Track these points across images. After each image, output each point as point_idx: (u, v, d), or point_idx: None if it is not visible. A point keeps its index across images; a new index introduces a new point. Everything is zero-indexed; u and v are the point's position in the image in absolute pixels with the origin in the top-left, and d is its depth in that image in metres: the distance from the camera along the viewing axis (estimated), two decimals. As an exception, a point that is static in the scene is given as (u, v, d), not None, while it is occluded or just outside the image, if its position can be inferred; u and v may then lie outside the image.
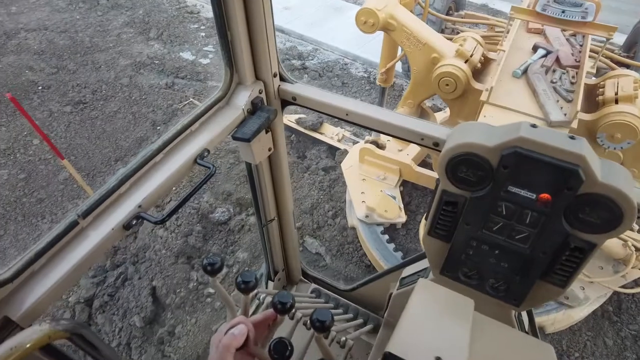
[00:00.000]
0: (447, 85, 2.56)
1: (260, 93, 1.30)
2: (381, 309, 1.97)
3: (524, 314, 1.40)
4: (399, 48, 3.09)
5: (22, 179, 4.13)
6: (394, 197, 3.21)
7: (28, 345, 0.68)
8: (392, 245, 3.01)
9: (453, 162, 0.94)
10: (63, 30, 6.50)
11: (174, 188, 3.90)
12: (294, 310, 1.16)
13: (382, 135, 2.91)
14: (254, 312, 1.71)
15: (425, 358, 0.68)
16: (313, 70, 5.69)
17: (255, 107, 1.28)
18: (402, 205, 3.21)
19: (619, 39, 5.25)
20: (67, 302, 3.11)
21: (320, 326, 0.74)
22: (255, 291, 1.10)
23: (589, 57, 2.69)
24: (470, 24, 4.87)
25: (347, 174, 3.44)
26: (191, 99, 5.23)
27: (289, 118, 4.45)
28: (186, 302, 3.13)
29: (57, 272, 0.89)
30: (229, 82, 1.25)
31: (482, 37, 3.48)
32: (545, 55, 2.71)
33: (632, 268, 2.62)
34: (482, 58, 2.74)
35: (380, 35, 2.96)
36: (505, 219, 0.97)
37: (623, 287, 2.64)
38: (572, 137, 0.85)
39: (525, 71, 2.58)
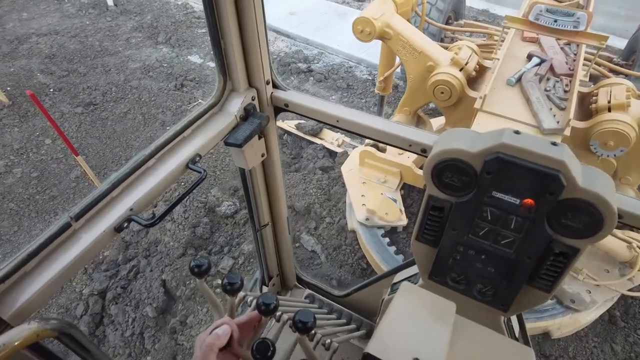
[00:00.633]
0: (442, 93, 2.59)
1: (253, 100, 1.32)
2: (375, 315, 1.98)
3: (515, 320, 1.41)
4: (397, 57, 3.13)
5: (35, 177, 4.28)
6: (395, 200, 3.19)
7: (16, 344, 0.69)
8: (393, 248, 2.98)
9: (438, 167, 0.96)
10: (73, 35, 6.66)
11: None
12: (280, 312, 1.17)
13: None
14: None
15: (403, 359, 0.69)
16: (319, 73, 5.81)
17: (247, 114, 1.31)
18: (403, 208, 3.19)
19: (621, 43, 5.31)
20: (81, 295, 3.21)
21: (303, 327, 0.76)
22: (244, 294, 1.12)
23: (584, 65, 2.72)
24: (469, 33, 4.91)
25: (347, 177, 3.44)
26: (199, 100, 5.34)
27: (289, 123, 4.48)
28: (196, 293, 3.22)
29: (48, 273, 0.90)
30: (222, 89, 1.27)
31: (481, 45, 3.53)
32: (539, 64, 2.74)
33: (638, 271, 2.58)
34: (477, 66, 2.77)
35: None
36: (491, 224, 0.98)
37: (630, 290, 2.59)
38: (554, 144, 0.87)
39: (519, 79, 2.60)
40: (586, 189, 0.83)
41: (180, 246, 3.46)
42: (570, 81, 2.57)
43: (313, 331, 0.90)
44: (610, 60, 4.21)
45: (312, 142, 4.43)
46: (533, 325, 2.56)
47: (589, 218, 0.86)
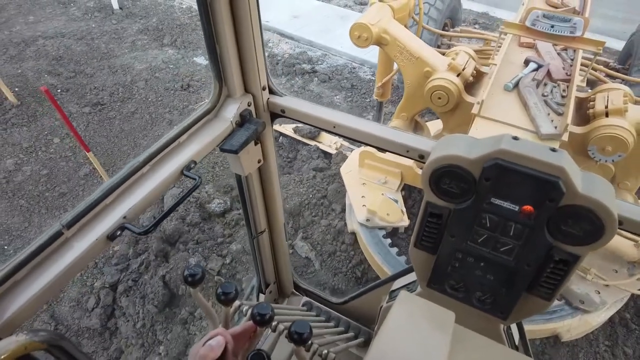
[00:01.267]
0: (440, 98, 2.59)
1: (249, 106, 1.31)
2: (372, 323, 1.96)
3: (514, 328, 1.39)
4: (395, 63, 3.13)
5: (44, 175, 4.35)
6: (396, 201, 3.16)
7: (3, 357, 0.67)
8: (395, 250, 2.93)
9: (436, 174, 0.95)
10: (79, 37, 6.73)
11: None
12: (275, 322, 1.15)
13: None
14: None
15: None
16: (323, 73, 5.88)
17: (243, 120, 1.30)
18: (404, 209, 3.16)
19: (619, 45, 5.35)
20: (92, 288, 3.25)
21: (299, 338, 0.74)
22: (239, 304, 1.10)
23: (581, 70, 2.72)
24: (466, 39, 4.93)
25: (346, 179, 3.41)
26: (206, 100, 5.33)
27: (286, 127, 4.48)
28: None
29: (39, 283, 0.88)
30: (218, 95, 1.26)
31: (478, 51, 3.53)
32: (536, 69, 2.74)
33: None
34: (475, 72, 2.77)
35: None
36: (490, 231, 0.97)
37: None
38: (553, 149, 0.86)
39: (516, 85, 2.61)
40: (586, 195, 0.82)
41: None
42: (567, 86, 2.58)
43: (310, 342, 0.88)
44: (606, 65, 4.23)
45: (307, 144, 4.46)
46: (541, 328, 2.50)
47: (590, 225, 0.84)
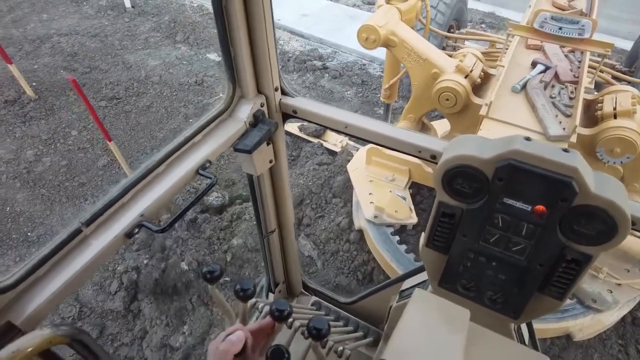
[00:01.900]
0: (447, 100, 2.60)
1: (262, 106, 1.33)
2: (381, 322, 1.96)
3: (524, 327, 1.40)
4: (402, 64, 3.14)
5: (63, 165, 4.46)
6: (404, 198, 3.13)
7: (29, 350, 0.69)
8: (403, 247, 2.90)
9: (449, 174, 0.96)
10: (93, 34, 6.85)
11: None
12: (292, 319, 1.16)
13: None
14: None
15: None
16: (334, 70, 5.96)
17: (256, 120, 1.31)
18: (412, 207, 3.13)
19: (626, 44, 5.34)
20: (114, 272, 3.32)
21: (317, 334, 0.75)
22: (254, 301, 1.11)
23: (588, 72, 2.73)
24: (471, 41, 4.94)
25: (353, 176, 3.39)
26: (221, 94, 5.47)
27: (291, 125, 4.51)
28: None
29: (59, 279, 0.90)
30: (232, 96, 1.28)
31: (483, 53, 3.54)
32: (544, 71, 2.75)
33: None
34: (482, 73, 2.78)
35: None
36: (502, 231, 0.98)
37: None
38: (565, 150, 0.87)
39: (524, 86, 2.61)
40: (599, 195, 0.83)
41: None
42: (575, 88, 2.58)
43: (325, 338, 0.89)
44: (613, 67, 4.21)
45: (310, 141, 4.51)
46: (554, 327, 2.49)
47: (602, 225, 0.85)
